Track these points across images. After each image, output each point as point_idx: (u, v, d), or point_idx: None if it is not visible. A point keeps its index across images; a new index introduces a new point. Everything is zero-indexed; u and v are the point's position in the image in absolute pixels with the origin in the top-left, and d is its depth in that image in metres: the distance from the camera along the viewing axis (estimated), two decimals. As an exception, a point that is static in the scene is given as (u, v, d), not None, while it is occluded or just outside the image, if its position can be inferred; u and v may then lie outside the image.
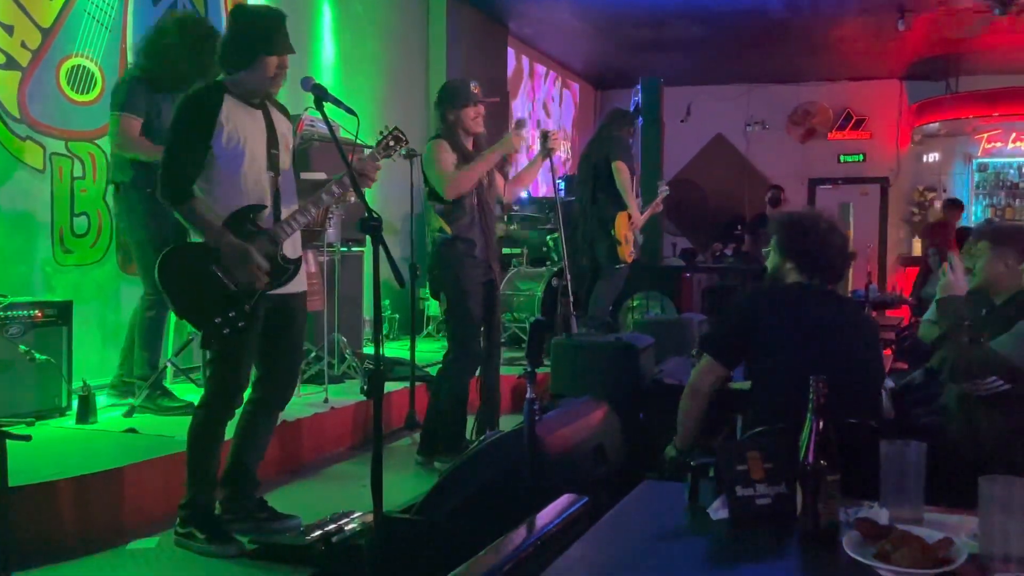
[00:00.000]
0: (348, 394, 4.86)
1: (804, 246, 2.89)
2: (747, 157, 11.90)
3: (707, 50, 10.20)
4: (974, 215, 11.19)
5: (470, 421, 4.36)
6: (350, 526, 3.14)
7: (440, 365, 4.30)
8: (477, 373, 4.24)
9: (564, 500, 1.94)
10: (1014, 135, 11.11)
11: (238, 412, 3.24)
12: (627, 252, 5.74)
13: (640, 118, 8.54)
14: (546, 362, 4.39)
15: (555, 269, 6.61)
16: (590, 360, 3.58)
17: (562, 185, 7.99)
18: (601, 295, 5.76)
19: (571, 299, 4.20)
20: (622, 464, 3.19)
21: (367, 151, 3.43)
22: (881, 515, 1.67)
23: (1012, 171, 11.32)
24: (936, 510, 1.78)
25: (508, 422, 4.28)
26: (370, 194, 3.15)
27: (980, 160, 11.37)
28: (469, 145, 4.24)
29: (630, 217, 5.77)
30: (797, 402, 2.58)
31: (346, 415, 4.67)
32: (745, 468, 1.79)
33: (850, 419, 2.48)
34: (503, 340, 6.86)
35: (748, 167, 11.82)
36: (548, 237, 7.04)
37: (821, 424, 1.67)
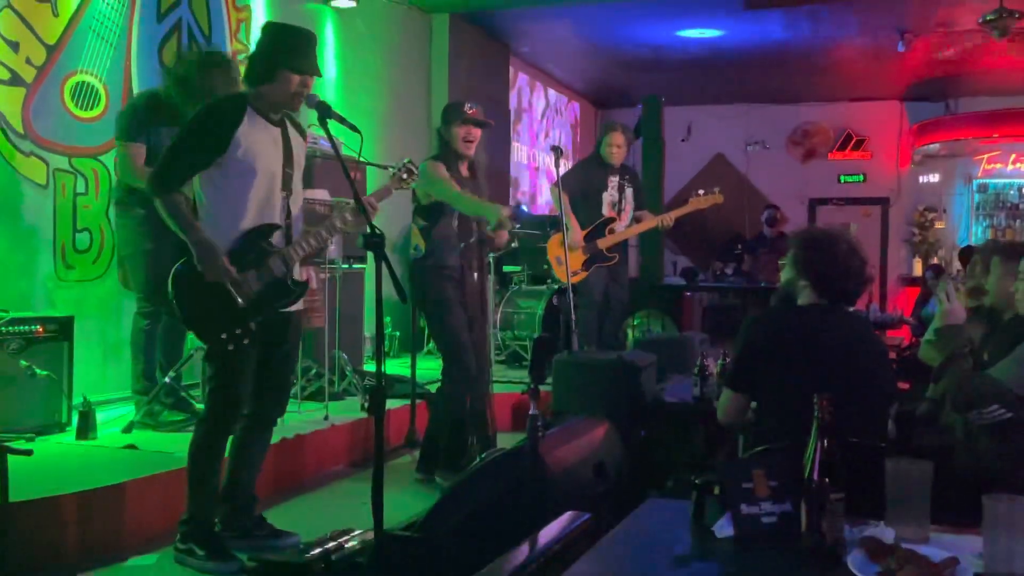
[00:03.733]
0: (348, 411, 4.86)
1: (822, 266, 2.86)
2: (747, 177, 11.93)
3: (708, 70, 10.25)
4: (974, 236, 11.20)
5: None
6: (350, 544, 3.13)
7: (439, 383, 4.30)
8: None
9: (566, 517, 1.94)
10: (1014, 156, 11.13)
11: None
12: (560, 272, 5.56)
13: (641, 137, 8.58)
14: (548, 380, 4.39)
15: (556, 287, 6.61)
16: (591, 378, 3.58)
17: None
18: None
19: (573, 317, 4.21)
20: (623, 482, 3.17)
21: (383, 181, 3.49)
22: (886, 534, 1.66)
23: (1012, 192, 11.34)
24: (942, 529, 1.78)
25: (509, 440, 4.27)
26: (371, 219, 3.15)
27: (980, 181, 11.39)
28: (463, 169, 4.23)
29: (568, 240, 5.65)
30: (802, 421, 2.59)
31: (346, 432, 4.66)
32: (750, 486, 1.78)
33: (854, 439, 2.47)
34: (503, 358, 6.91)
35: (748, 187, 11.84)
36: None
37: (826, 442, 1.67)
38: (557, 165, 4.45)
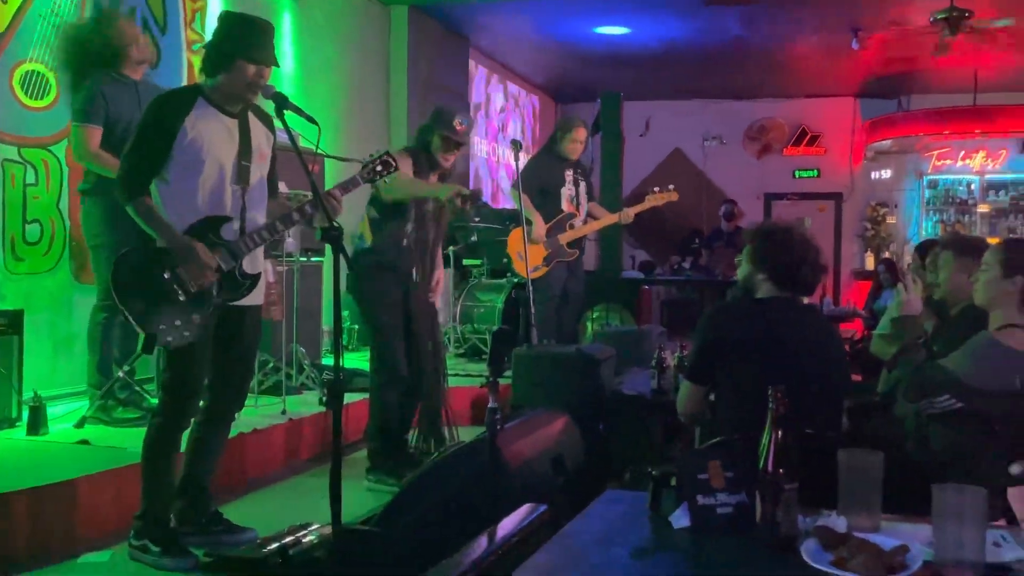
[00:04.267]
0: (307, 406, 4.82)
1: (778, 258, 2.91)
2: (705, 172, 12.05)
3: (666, 66, 10.33)
4: (924, 231, 11.43)
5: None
6: (308, 538, 3.11)
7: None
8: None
9: (524, 510, 1.94)
10: (963, 153, 11.37)
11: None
12: (521, 267, 5.52)
13: (600, 132, 8.62)
14: (507, 373, 4.39)
15: (515, 281, 6.62)
16: (551, 371, 3.59)
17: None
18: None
19: (532, 311, 4.21)
20: (582, 474, 3.19)
21: (354, 174, 3.37)
22: (839, 523, 1.69)
23: (961, 188, 11.59)
24: (893, 518, 1.82)
25: (469, 433, 4.27)
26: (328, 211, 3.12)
27: (931, 177, 11.62)
28: (432, 176, 4.19)
29: (530, 234, 5.64)
30: (759, 413, 2.62)
31: (304, 427, 4.62)
32: (706, 477, 1.81)
33: (809, 430, 2.51)
34: (463, 351, 6.90)
35: (706, 182, 11.96)
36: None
37: (780, 434, 1.70)
38: (517, 159, 4.44)
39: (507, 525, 1.82)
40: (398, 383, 4.14)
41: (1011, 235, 10.69)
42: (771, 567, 1.62)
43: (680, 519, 1.80)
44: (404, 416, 4.23)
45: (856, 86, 11.38)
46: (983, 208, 11.41)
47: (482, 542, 1.71)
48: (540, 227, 5.63)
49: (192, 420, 3.20)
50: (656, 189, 6.03)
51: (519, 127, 11.51)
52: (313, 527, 3.19)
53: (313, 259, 5.69)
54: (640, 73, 10.54)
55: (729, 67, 10.33)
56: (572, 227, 5.78)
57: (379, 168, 3.34)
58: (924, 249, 6.66)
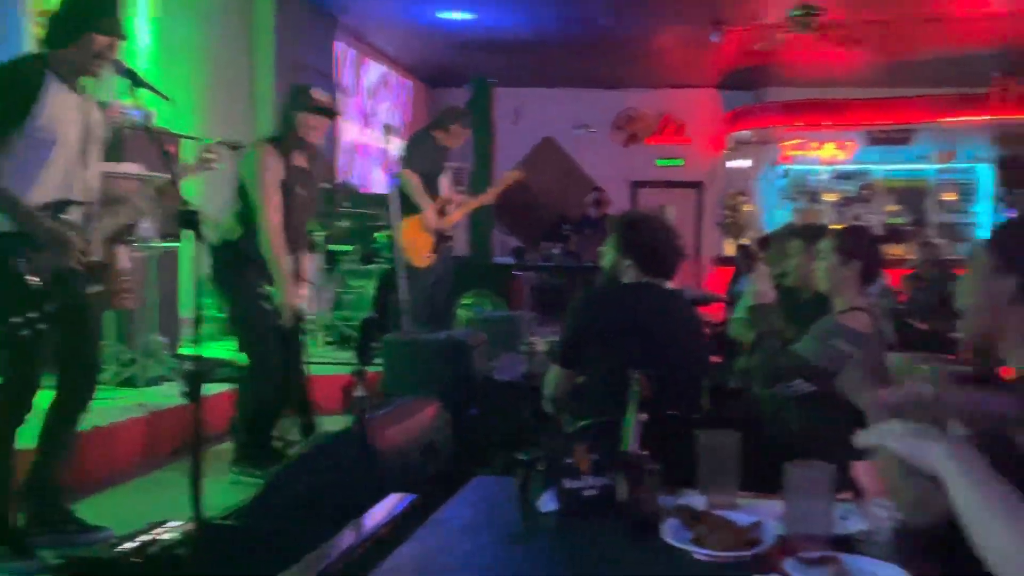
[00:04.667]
0: (166, 397, 4.63)
1: (641, 244, 2.99)
2: (574, 159, 12.24)
3: (536, 53, 10.41)
4: (780, 218, 11.97)
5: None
6: (168, 535, 2.98)
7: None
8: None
9: (392, 499, 1.93)
10: (815, 143, 11.97)
11: (38, 419, 3.03)
12: (415, 256, 5.61)
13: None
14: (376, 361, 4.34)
15: (386, 267, 6.55)
16: (422, 357, 3.57)
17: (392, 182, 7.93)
18: (403, 298, 5.60)
19: (404, 298, 4.17)
20: (454, 461, 3.19)
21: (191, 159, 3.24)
22: (698, 502, 1.75)
23: (813, 177, 12.20)
24: (749, 495, 1.89)
25: (338, 422, 4.20)
26: (190, 186, 3.00)
27: (785, 166, 12.18)
28: (300, 158, 4.04)
29: (422, 221, 5.69)
30: (624, 395, 2.69)
31: (163, 419, 4.44)
32: (572, 461, 1.83)
33: (672, 411, 2.59)
34: (332, 340, 6.78)
35: (575, 169, 12.15)
36: (378, 234, 6.96)
37: (643, 416, 1.74)
38: (389, 143, 4.38)
39: (375, 515, 1.80)
40: (268, 375, 4.02)
41: (856, 222, 11.35)
42: (635, 547, 1.66)
43: (548, 503, 1.82)
44: (273, 408, 4.12)
45: (718, 78, 11.79)
46: (832, 197, 12.05)
47: (348, 535, 1.69)
48: (432, 214, 5.66)
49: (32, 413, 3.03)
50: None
51: (391, 111, 11.36)
52: (173, 523, 3.06)
53: (170, 244, 5.45)
54: (511, 60, 10.59)
55: (597, 56, 10.51)
56: (446, 213, 5.82)
57: (207, 157, 3.26)
58: (766, 241, 7.01)
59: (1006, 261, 1.68)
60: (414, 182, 5.61)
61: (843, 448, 3.42)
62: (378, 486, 2.33)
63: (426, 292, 5.55)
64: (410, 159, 5.58)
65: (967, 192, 11.73)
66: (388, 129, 4.54)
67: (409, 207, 5.65)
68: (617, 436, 1.85)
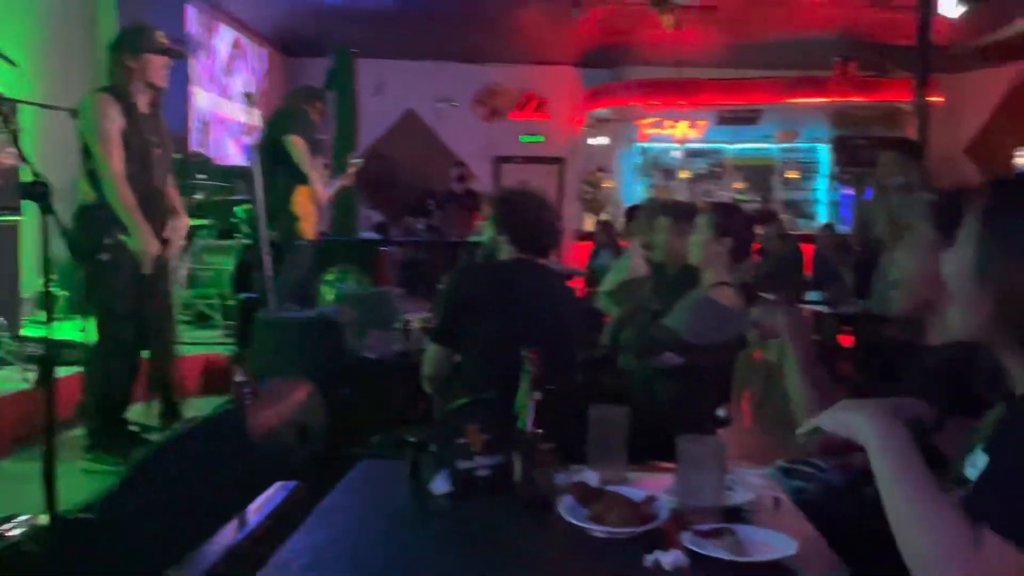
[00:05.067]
0: (7, 383, 4.30)
1: (515, 222, 2.97)
2: (437, 133, 12.13)
3: (399, 24, 10.22)
4: (637, 194, 12.29)
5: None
6: (16, 531, 2.76)
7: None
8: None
9: (275, 488, 1.85)
10: (669, 122, 12.33)
11: None
12: (308, 227, 5.52)
13: (332, 89, 8.37)
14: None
15: (247, 242, 6.30)
16: (291, 337, 3.44)
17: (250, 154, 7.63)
18: (285, 271, 5.44)
19: (270, 274, 4.00)
20: (328, 444, 3.10)
21: None
22: (592, 478, 1.76)
23: (668, 155, 12.58)
24: (637, 469, 1.92)
25: (200, 406, 4.02)
26: (29, 153, 2.75)
27: (642, 144, 12.50)
28: (144, 103, 3.82)
29: (313, 192, 5.58)
30: (504, 372, 2.67)
31: (6, 407, 4.12)
32: (465, 441, 1.80)
33: (550, 386, 2.60)
34: (188, 318, 6.46)
35: (438, 143, 12.05)
36: (238, 208, 6.67)
37: (537, 394, 1.72)
38: (252, 113, 4.17)
39: (258, 507, 1.71)
40: (122, 354, 3.78)
41: (707, 199, 11.79)
42: (532, 525, 1.65)
43: (440, 485, 1.79)
44: (127, 389, 3.88)
45: (577, 55, 11.93)
46: (685, 174, 12.47)
47: (232, 527, 1.60)
48: (320, 185, 5.50)
49: None
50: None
51: (246, 81, 10.89)
52: (22, 518, 2.84)
53: (7, 217, 5.04)
54: (372, 30, 10.35)
55: (460, 29, 10.43)
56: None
57: None
58: (631, 214, 7.19)
59: (946, 235, 1.76)
60: (301, 148, 5.42)
61: (709, 419, 3.55)
62: (254, 474, 2.23)
63: (306, 267, 5.42)
64: (294, 126, 5.38)
65: (809, 170, 12.40)
66: (250, 98, 4.33)
67: (292, 177, 5.48)
68: (501, 414, 1.83)
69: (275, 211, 5.40)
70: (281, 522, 1.65)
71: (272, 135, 5.59)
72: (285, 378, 3.08)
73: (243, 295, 2.91)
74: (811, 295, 6.95)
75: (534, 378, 1.73)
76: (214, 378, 4.74)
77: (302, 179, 5.44)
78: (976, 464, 1.27)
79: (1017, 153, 9.48)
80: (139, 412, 4.10)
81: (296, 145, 5.40)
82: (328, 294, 6.79)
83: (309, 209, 5.54)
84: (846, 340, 6.76)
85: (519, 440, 1.70)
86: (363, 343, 3.97)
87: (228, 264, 6.28)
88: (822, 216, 12.27)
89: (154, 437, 3.95)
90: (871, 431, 1.25)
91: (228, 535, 1.54)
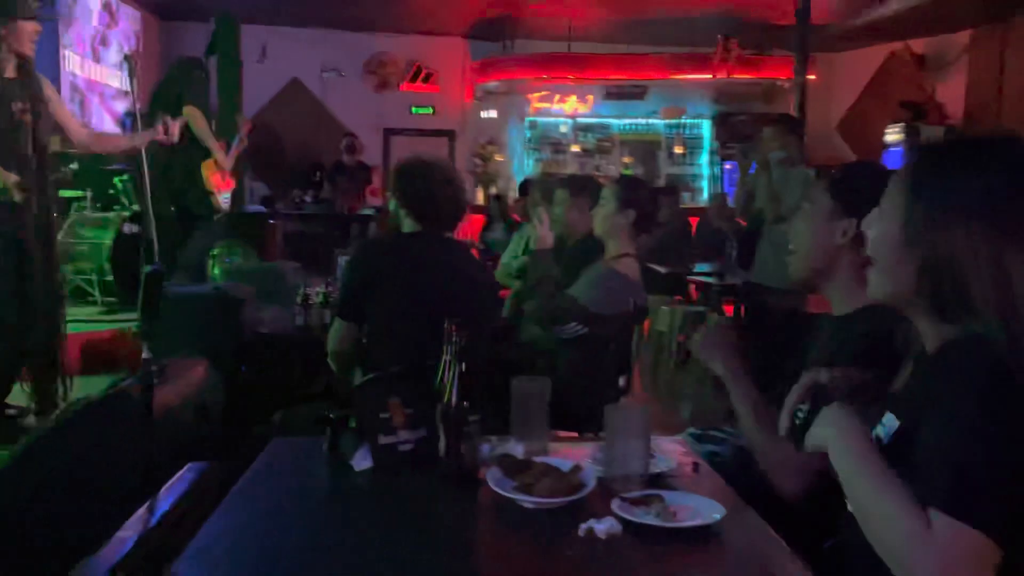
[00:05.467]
0: None
1: (415, 194, 2.91)
2: (324, 103, 11.83)
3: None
4: (527, 168, 12.34)
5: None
6: None
7: None
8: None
9: (186, 470, 1.76)
10: (558, 97, 12.40)
11: None
12: (218, 199, 5.40)
13: (214, 55, 8.04)
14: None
15: (126, 214, 6.00)
16: (187, 313, 3.29)
17: (128, 122, 7.27)
18: (194, 246, 5.33)
19: (155, 248, 3.80)
20: (229, 422, 3.00)
21: None
22: (517, 449, 1.75)
23: (556, 130, 12.66)
24: (558, 439, 1.92)
25: (85, 385, 3.81)
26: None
27: (531, 118, 12.54)
28: (10, 69, 3.57)
29: (216, 164, 5.44)
30: (414, 345, 2.63)
31: None
32: (387, 416, 1.76)
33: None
34: (65, 294, 6.11)
35: (325, 114, 11.76)
36: (116, 179, 6.34)
37: (462, 367, 1.70)
38: (132, 77, 3.94)
39: (170, 491, 1.63)
40: (4, 337, 3.54)
41: (597, 173, 11.96)
42: (460, 499, 1.63)
43: (362, 461, 1.75)
44: (8, 371, 3.64)
45: (466, 27, 11.82)
46: (574, 148, 12.59)
47: (143, 513, 1.51)
48: (223, 157, 5.31)
49: None
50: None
51: (121, 45, 10.32)
52: None
53: None
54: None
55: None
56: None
57: None
58: (525, 188, 7.22)
59: (845, 205, 1.80)
60: (202, 122, 5.33)
61: (611, 388, 3.61)
62: (159, 455, 2.13)
63: (212, 241, 5.28)
64: (193, 98, 5.21)
65: (693, 146, 12.73)
66: (129, 62, 4.07)
67: (196, 150, 5.35)
68: (421, 387, 1.80)
69: (184, 186, 5.33)
70: (197, 504, 1.57)
71: (165, 107, 5.39)
72: (181, 356, 2.97)
73: (148, 267, 2.74)
74: (697, 267, 7.16)
75: (458, 350, 1.70)
76: (94, 357, 4.51)
77: (205, 153, 5.29)
78: (885, 424, 1.32)
79: (887, 130, 9.95)
80: (15, 395, 3.86)
81: (196, 118, 5.24)
82: (214, 269, 6.55)
83: (215, 182, 5.39)
84: (729, 310, 7.00)
85: (445, 413, 1.67)
86: (259, 319, 3.84)
87: (106, 238, 5.96)
88: (705, 191, 12.63)
89: (32, 421, 3.73)
90: (828, 434, 1.28)
91: (138, 522, 1.45)
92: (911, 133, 9.45)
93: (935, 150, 1.30)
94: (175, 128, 4.15)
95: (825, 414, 1.31)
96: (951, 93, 10.02)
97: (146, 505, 1.48)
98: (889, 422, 1.31)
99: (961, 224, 1.19)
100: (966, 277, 1.18)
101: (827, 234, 1.81)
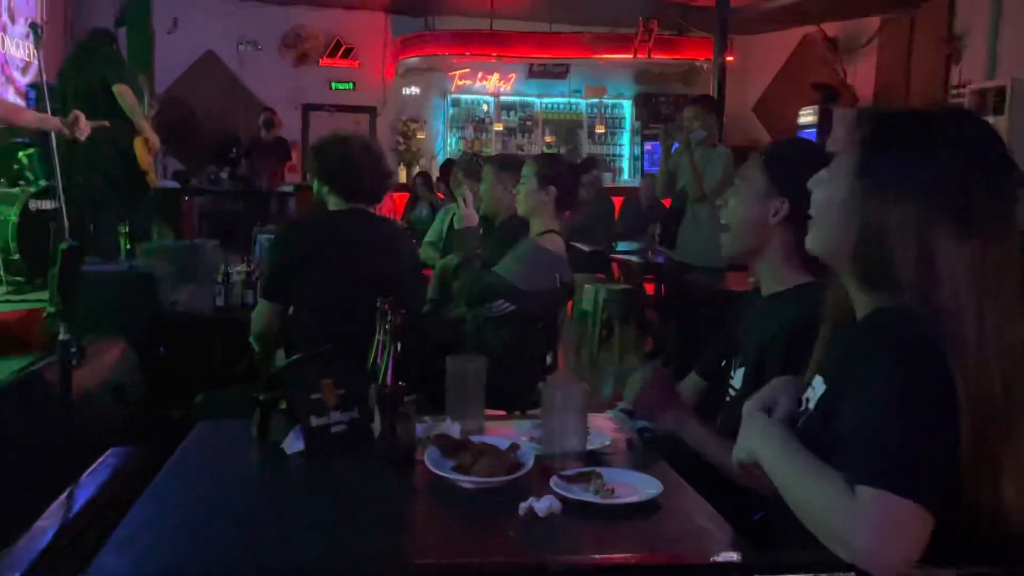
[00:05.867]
0: None
1: (334, 169, 2.86)
2: (240, 78, 11.50)
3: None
4: (449, 147, 12.25)
5: None
6: None
7: None
8: None
9: (108, 455, 1.69)
10: (481, 74, 12.31)
11: None
12: (153, 178, 5.31)
13: (124, 26, 7.73)
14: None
15: (32, 190, 5.72)
16: (103, 292, 3.15)
17: (32, 94, 6.95)
18: (132, 227, 5.21)
19: (66, 226, 3.65)
20: (147, 404, 2.90)
21: None
22: (453, 429, 1.73)
23: (479, 108, 12.59)
24: (492, 417, 1.91)
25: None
26: None
27: (454, 96, 12.43)
28: None
29: (147, 141, 5.34)
30: (342, 324, 2.59)
31: None
32: (319, 397, 1.72)
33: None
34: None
35: (242, 88, 11.42)
36: (21, 153, 6.04)
37: (397, 347, 1.67)
38: (38, 47, 3.73)
39: (91, 477, 1.56)
40: None
41: (519, 151, 11.95)
42: (397, 480, 1.60)
43: (294, 444, 1.70)
44: None
45: (387, 1, 11.63)
46: (498, 127, 12.55)
47: (64, 502, 1.45)
48: (151, 134, 5.32)
49: None
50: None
51: (19, 10, 9.81)
52: None
53: None
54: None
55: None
56: None
57: None
58: (449, 166, 7.16)
59: (778, 183, 1.81)
60: (131, 99, 5.26)
61: (538, 365, 3.61)
62: (75, 440, 2.05)
63: (147, 219, 5.19)
64: (119, 74, 5.10)
65: (614, 125, 12.83)
66: (35, 29, 3.87)
67: (126, 127, 5.30)
68: (352, 367, 1.76)
69: (116, 164, 5.26)
70: (119, 493, 1.50)
71: (87, 84, 5.26)
72: (97, 336, 2.86)
73: (64, 244, 2.61)
74: (620, 245, 7.24)
75: (394, 329, 1.67)
76: (3, 339, 4.30)
77: (133, 129, 5.19)
78: (815, 387, 1.35)
79: (800, 112, 10.19)
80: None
81: (125, 95, 5.15)
82: (125, 246, 6.31)
83: (148, 160, 5.31)
84: (650, 288, 7.11)
85: (381, 394, 1.64)
86: (176, 299, 3.72)
87: (11, 215, 5.68)
88: (626, 171, 12.75)
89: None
90: (752, 442, 1.30)
91: (59, 511, 1.39)
92: (823, 115, 9.69)
93: (886, 123, 1.30)
94: (84, 127, 4.02)
95: (746, 425, 1.33)
96: (862, 76, 10.31)
97: (66, 493, 1.41)
98: (818, 385, 1.33)
99: (897, 200, 1.22)
100: (892, 251, 1.21)
101: (760, 212, 1.83)
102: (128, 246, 4.11)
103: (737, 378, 1.85)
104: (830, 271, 1.38)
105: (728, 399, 1.88)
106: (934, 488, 1.10)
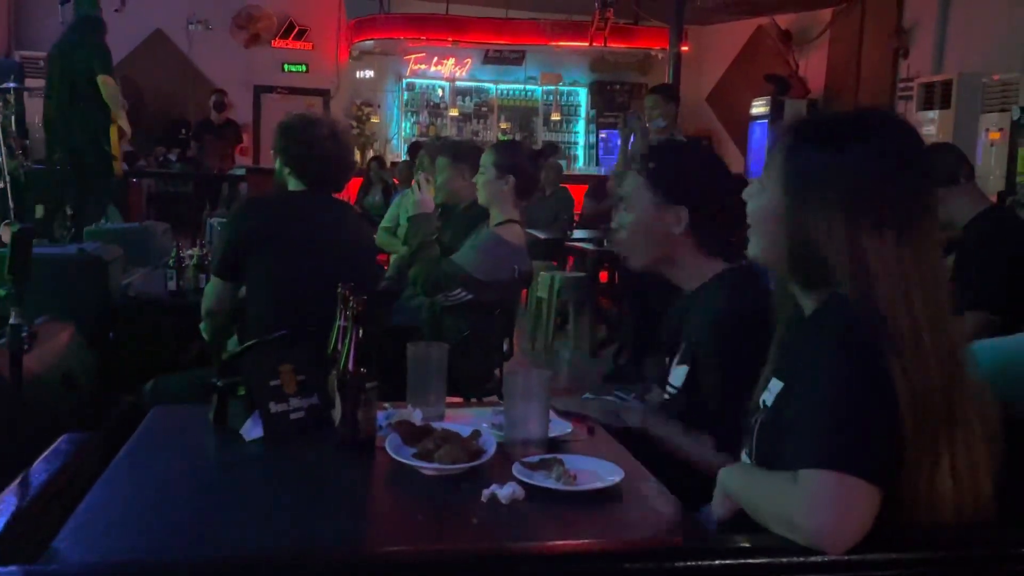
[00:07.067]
0: None
1: (296, 152, 2.82)
2: (190, 58, 11.27)
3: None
4: (404, 131, 12.17)
5: None
6: None
7: None
8: None
9: (61, 441, 1.65)
10: (436, 59, 12.24)
11: None
12: (118, 166, 5.31)
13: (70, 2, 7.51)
14: None
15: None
16: (51, 275, 3.07)
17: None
18: (89, 210, 5.22)
19: (11, 208, 3.55)
20: (96, 390, 2.84)
21: None
22: (415, 415, 1.72)
23: (434, 93, 12.51)
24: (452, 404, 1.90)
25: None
26: None
27: (409, 80, 12.34)
28: None
29: (120, 130, 5.38)
30: (295, 308, 2.56)
31: None
32: (278, 383, 1.70)
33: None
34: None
35: (192, 69, 11.20)
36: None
37: (360, 332, 1.65)
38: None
39: (44, 463, 1.52)
40: None
41: (475, 137, 11.91)
42: (358, 467, 1.59)
43: (252, 431, 1.68)
44: None
45: (342, -17, 11.50)
46: (453, 112, 12.49)
47: (16, 489, 1.41)
48: (126, 123, 5.49)
49: None
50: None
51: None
52: None
53: None
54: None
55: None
56: None
57: None
58: (414, 150, 7.11)
59: (671, 194, 1.82)
60: (113, 89, 5.39)
61: (496, 353, 3.61)
62: (23, 427, 2.00)
63: (106, 204, 5.17)
64: (106, 65, 5.06)
65: (570, 113, 12.84)
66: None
67: (102, 115, 5.41)
68: (322, 353, 1.74)
69: (88, 150, 5.37)
70: (73, 479, 1.47)
71: (73, 67, 5.25)
72: (43, 320, 2.78)
73: (16, 226, 2.50)
74: (576, 233, 7.26)
75: (356, 315, 1.65)
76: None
77: (109, 117, 5.32)
78: (771, 389, 1.37)
79: (753, 103, 10.30)
80: None
81: (109, 85, 5.17)
82: (68, 227, 6.18)
83: (118, 148, 5.57)
84: (604, 276, 7.15)
85: (342, 380, 1.62)
86: (127, 282, 3.64)
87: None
88: (581, 159, 12.78)
89: None
90: (723, 488, 1.33)
91: (11, 498, 1.35)
92: (775, 106, 9.82)
93: (806, 130, 1.32)
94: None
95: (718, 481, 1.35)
96: (813, 68, 10.45)
97: (19, 479, 1.38)
98: (774, 387, 1.35)
99: (823, 207, 1.24)
100: (825, 255, 1.24)
101: (661, 226, 1.83)
102: (73, 228, 4.03)
103: (675, 376, 1.86)
104: (742, 253, 1.42)
105: (667, 398, 1.89)
106: (876, 463, 1.13)
